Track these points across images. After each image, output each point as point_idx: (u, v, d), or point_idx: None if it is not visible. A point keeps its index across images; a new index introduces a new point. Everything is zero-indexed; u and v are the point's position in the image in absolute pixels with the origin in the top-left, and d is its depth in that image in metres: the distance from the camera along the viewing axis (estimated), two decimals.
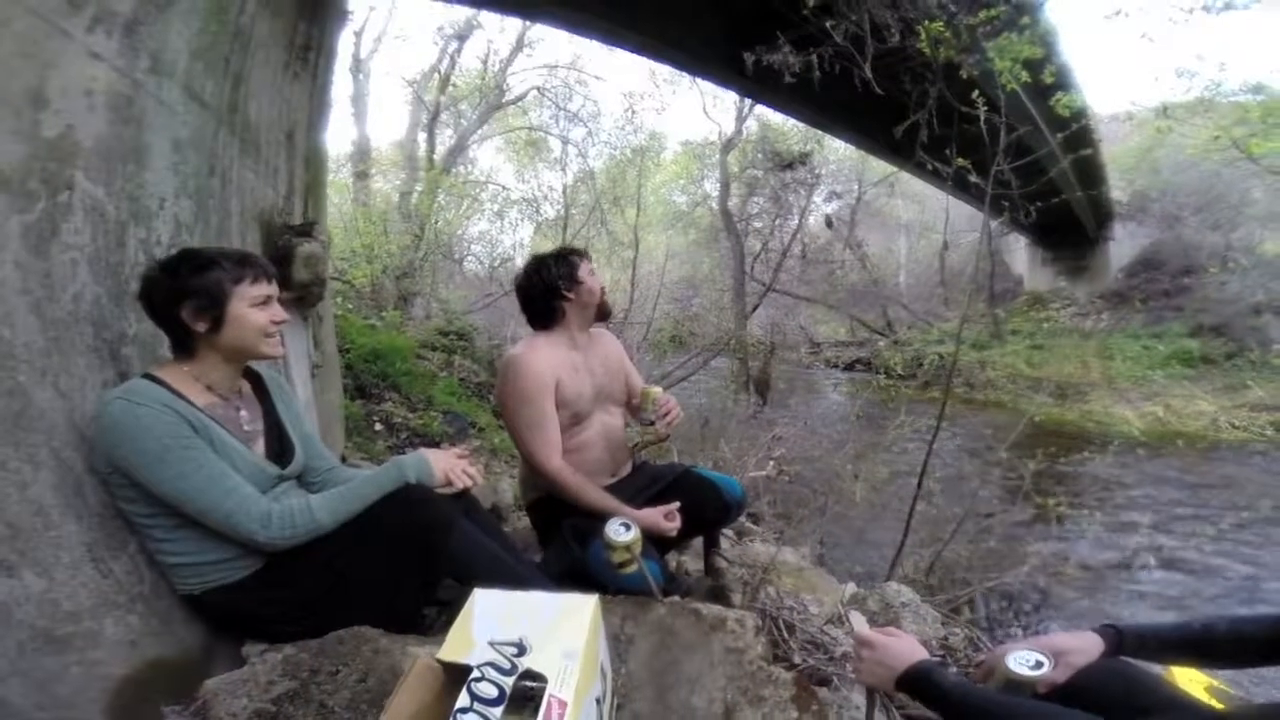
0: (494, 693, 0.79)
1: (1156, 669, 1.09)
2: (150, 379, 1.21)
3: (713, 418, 7.31)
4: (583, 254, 1.92)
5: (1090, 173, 10.06)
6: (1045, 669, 0.97)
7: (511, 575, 1.35)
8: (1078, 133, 5.04)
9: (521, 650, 0.86)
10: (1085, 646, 1.02)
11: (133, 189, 1.30)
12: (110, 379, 1.24)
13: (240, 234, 1.67)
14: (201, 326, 1.23)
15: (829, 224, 14.05)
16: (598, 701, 0.93)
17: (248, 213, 1.72)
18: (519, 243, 15.23)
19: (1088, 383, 10.15)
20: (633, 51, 5.30)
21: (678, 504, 1.72)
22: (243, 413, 1.35)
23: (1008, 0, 3.08)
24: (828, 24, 2.87)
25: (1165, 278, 14.56)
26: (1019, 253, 17.97)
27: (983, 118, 3.09)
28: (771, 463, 5.55)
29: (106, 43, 1.24)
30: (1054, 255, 16.86)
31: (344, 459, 2.54)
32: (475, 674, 0.81)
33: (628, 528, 1.47)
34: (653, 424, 1.85)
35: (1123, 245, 16.04)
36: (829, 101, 4.65)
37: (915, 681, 0.96)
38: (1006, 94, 3.24)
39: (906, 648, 1.01)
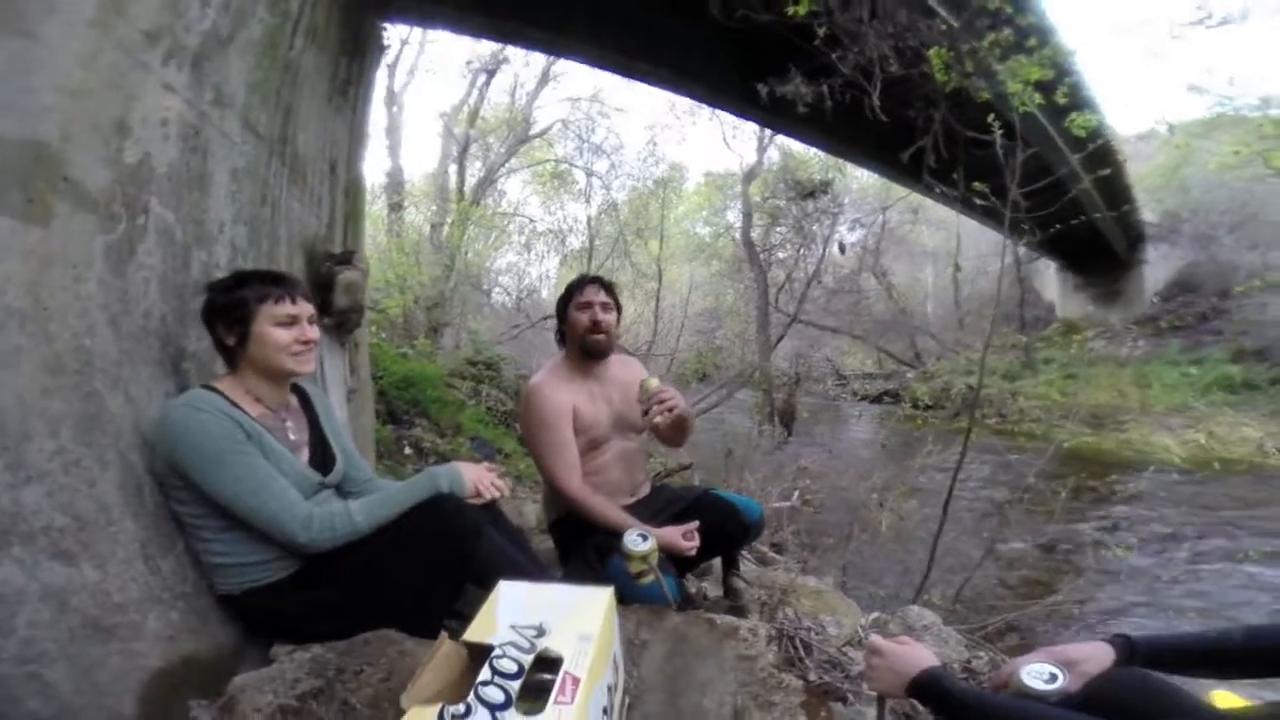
0: (513, 668, 0.85)
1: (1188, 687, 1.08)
2: (209, 389, 1.33)
3: (736, 448, 7.28)
4: (583, 286, 1.91)
5: (1115, 193, 9.90)
6: (1059, 682, 0.96)
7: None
8: (1097, 152, 5.01)
9: (541, 632, 0.92)
10: (1097, 656, 1.02)
11: (198, 214, 1.42)
12: (171, 390, 1.35)
13: (287, 260, 1.79)
14: (231, 341, 1.35)
15: (841, 250, 13.98)
16: (609, 689, 0.98)
17: (294, 240, 1.84)
18: (545, 274, 15.54)
19: (1125, 411, 9.84)
20: (652, 84, 5.44)
21: (697, 523, 1.75)
22: (289, 423, 1.46)
23: (1009, 22, 3.13)
24: (834, 55, 2.96)
25: (1202, 300, 14.03)
26: (1050, 279, 17.57)
27: (998, 140, 3.14)
28: (796, 493, 5.50)
29: (178, 75, 1.35)
30: (1085, 280, 16.44)
31: None
32: (497, 651, 0.88)
33: (644, 538, 1.52)
34: (647, 413, 1.76)
35: (1156, 268, 15.54)
36: (844, 130, 4.73)
37: (925, 687, 0.97)
38: (1022, 116, 3.27)
39: (916, 654, 1.02)
